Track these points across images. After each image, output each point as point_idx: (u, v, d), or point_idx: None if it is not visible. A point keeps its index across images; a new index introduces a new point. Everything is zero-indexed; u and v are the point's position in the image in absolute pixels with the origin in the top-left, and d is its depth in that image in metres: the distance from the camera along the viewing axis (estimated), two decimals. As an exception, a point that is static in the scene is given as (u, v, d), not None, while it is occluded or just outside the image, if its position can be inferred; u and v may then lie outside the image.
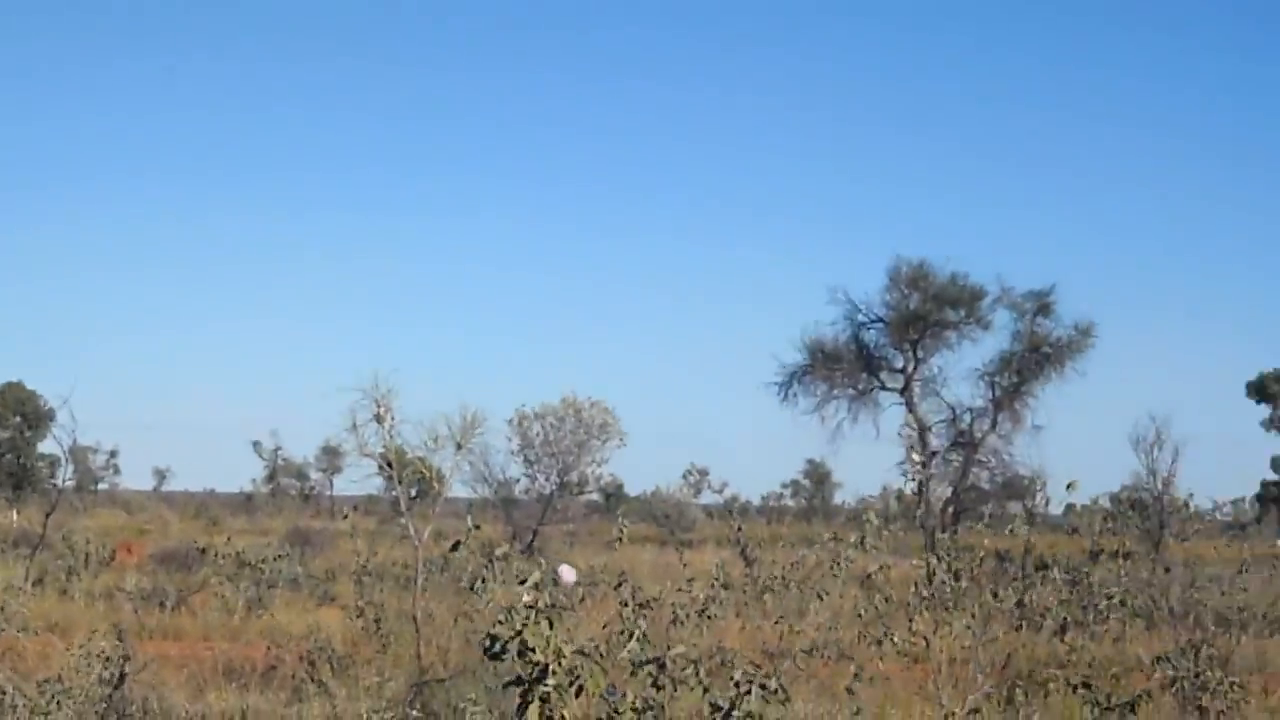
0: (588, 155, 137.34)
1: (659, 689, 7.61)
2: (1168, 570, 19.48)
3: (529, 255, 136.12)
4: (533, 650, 6.43)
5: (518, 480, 42.66)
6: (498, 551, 9.28)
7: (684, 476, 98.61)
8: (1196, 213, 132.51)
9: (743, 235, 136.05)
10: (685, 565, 15.31)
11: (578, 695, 6.52)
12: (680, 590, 14.89)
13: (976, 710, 11.02)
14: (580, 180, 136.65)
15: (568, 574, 7.91)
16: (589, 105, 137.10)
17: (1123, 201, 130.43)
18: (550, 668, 6.43)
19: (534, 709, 6.44)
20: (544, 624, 6.46)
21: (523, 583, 6.49)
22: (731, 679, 7.75)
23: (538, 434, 41.78)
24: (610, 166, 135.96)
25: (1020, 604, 13.05)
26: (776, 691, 7.72)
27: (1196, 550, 23.30)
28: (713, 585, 11.12)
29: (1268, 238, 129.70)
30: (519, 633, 6.44)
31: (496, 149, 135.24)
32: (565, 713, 6.42)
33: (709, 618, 9.43)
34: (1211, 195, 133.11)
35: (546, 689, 6.41)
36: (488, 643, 6.72)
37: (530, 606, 6.46)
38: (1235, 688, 12.06)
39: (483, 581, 16.47)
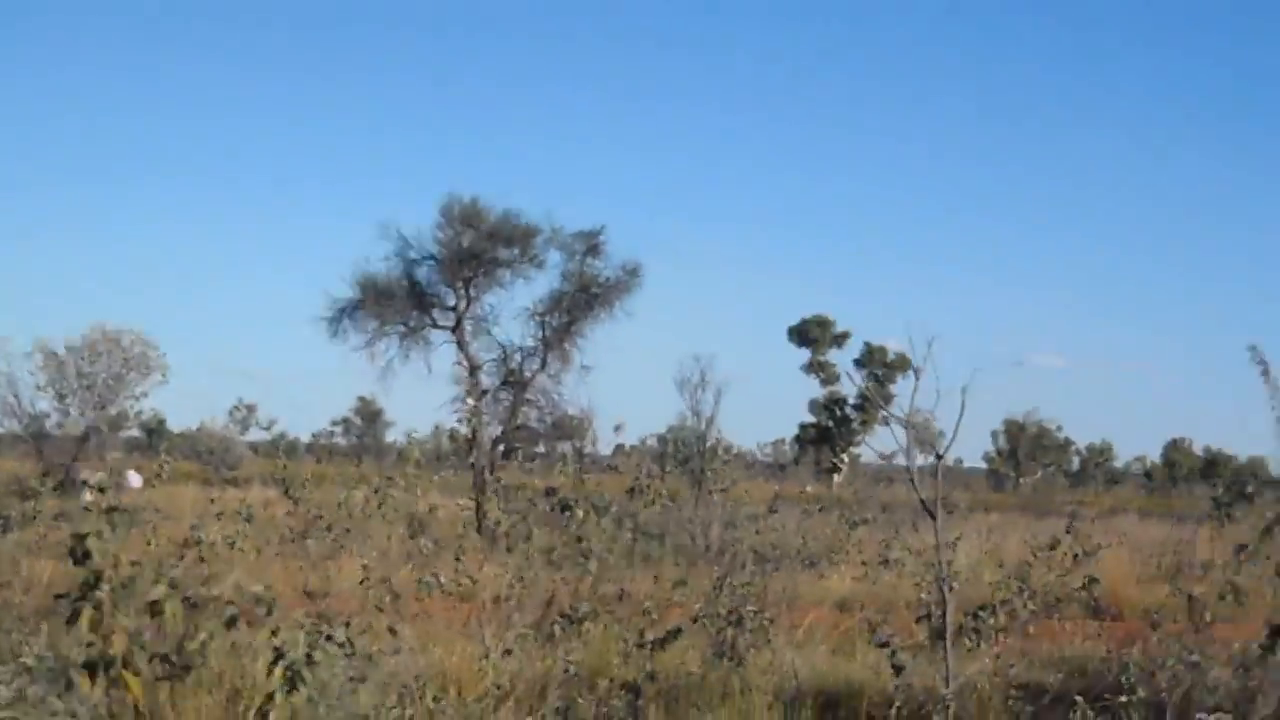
0: (129, 73, 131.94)
1: (231, 626, 7.36)
2: (710, 511, 20.05)
3: (63, 175, 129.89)
4: (89, 556, 6.02)
5: (49, 415, 40.80)
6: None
7: (230, 413, 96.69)
8: (741, 159, 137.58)
9: (294, 168, 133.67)
10: (213, 502, 14.94)
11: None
12: (233, 532, 14.51)
13: (509, 651, 11.04)
14: (125, 98, 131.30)
15: (134, 479, 7.54)
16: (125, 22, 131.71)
17: (671, 146, 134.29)
18: (106, 574, 6.03)
19: (86, 615, 6.02)
20: (105, 527, 6.07)
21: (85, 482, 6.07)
22: (300, 627, 7.58)
23: (70, 366, 39.95)
24: (156, 88, 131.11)
25: (567, 542, 13.15)
26: (344, 645, 7.59)
27: (737, 490, 24.11)
28: (239, 522, 10.86)
29: (810, 185, 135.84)
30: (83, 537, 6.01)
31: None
32: (118, 625, 6.02)
33: (241, 551, 9.12)
34: (754, 143, 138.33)
35: (100, 596, 6.00)
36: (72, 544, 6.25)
37: (89, 508, 6.04)
38: (765, 620, 12.46)
39: (6, 520, 15.49)
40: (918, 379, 7.64)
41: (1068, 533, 13.27)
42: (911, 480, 7.73)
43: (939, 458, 7.78)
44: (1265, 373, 7.83)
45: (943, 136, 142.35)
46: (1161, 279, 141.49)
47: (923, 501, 7.69)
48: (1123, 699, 7.04)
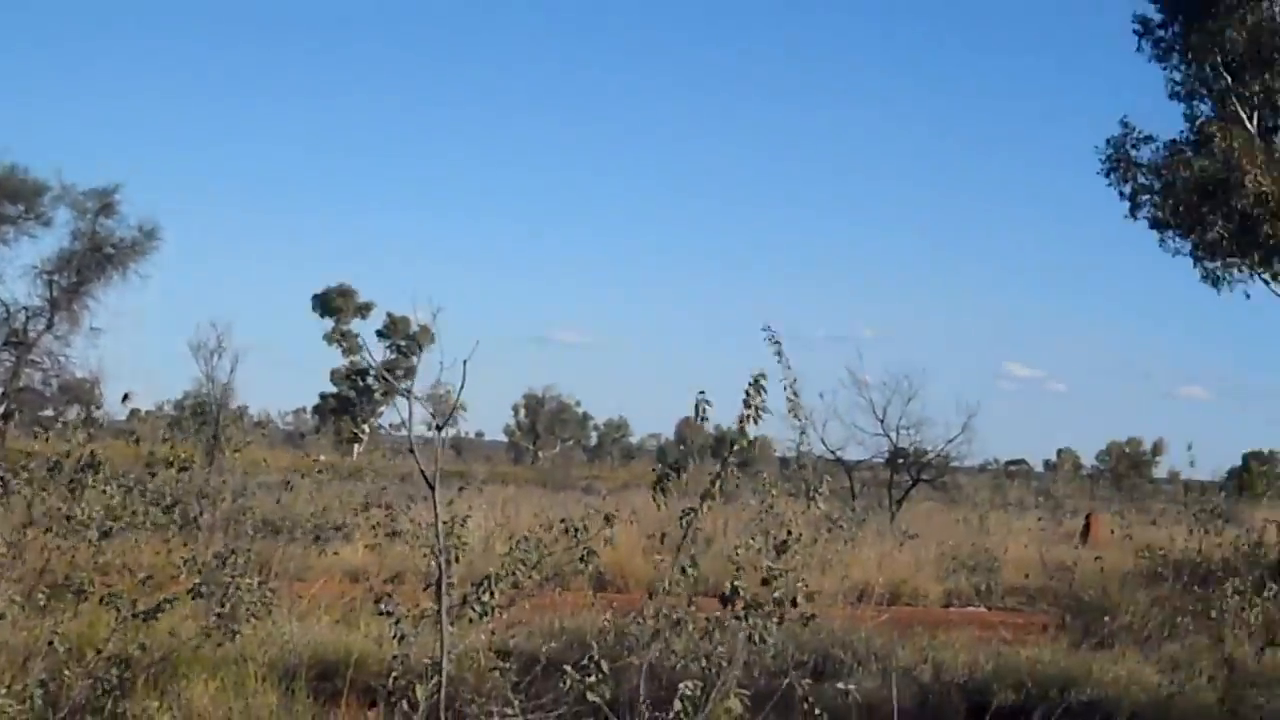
0: None
1: None
2: (223, 480, 19.59)
3: None
4: None
5: None
6: None
7: None
8: (263, 123, 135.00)
9: None
10: None
11: None
12: None
13: (2, 616, 10.53)
14: None
15: None
16: None
17: (193, 108, 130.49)
18: None
19: None
20: None
21: None
22: None
23: None
24: None
25: (68, 509, 12.66)
26: None
27: (255, 457, 23.70)
28: None
29: (337, 152, 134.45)
30: None
31: None
32: None
33: None
34: (277, 106, 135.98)
35: None
36: None
37: None
38: (268, 591, 12.30)
39: None
40: (419, 353, 7.68)
41: (607, 522, 13.55)
42: (412, 451, 7.73)
43: (438, 430, 7.81)
44: (779, 353, 8.14)
45: (467, 110, 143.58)
46: (677, 257, 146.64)
47: (422, 473, 7.70)
48: (591, 666, 7.20)
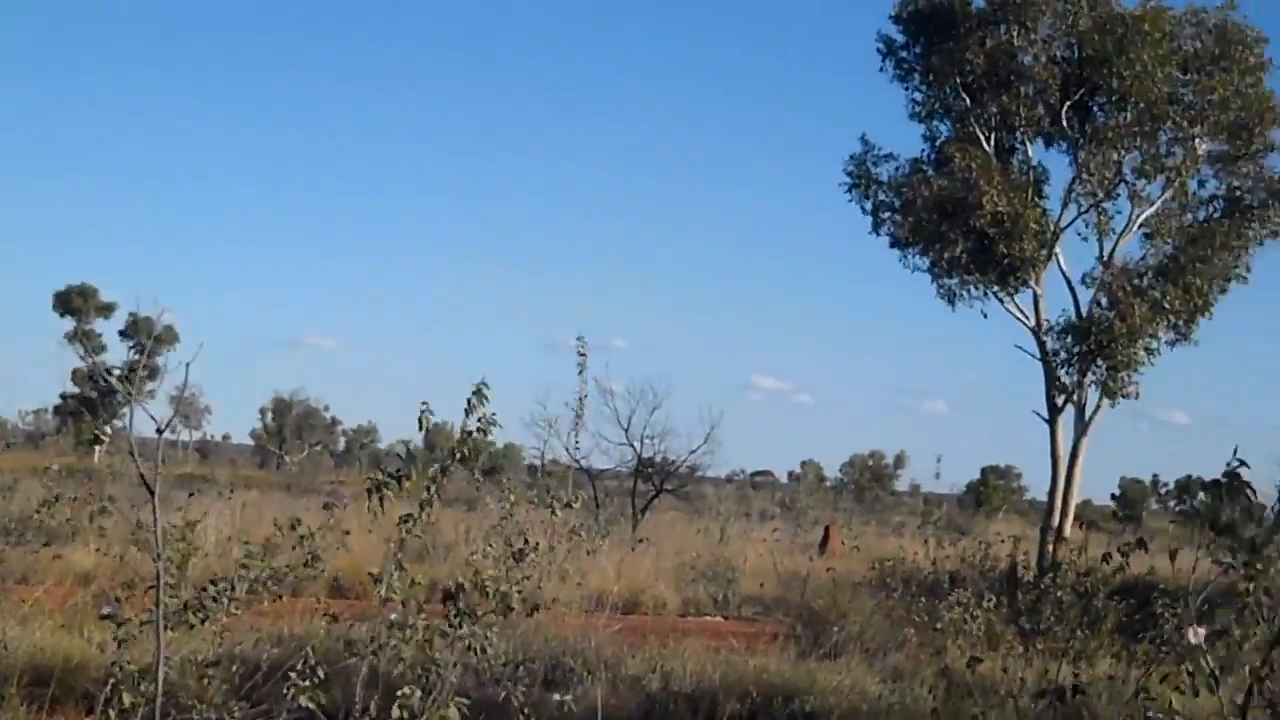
0: None
1: None
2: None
3: None
4: None
5: None
6: None
7: None
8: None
9: None
10: None
11: None
12: None
13: None
14: None
15: None
16: None
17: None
18: None
19: None
20: None
21: None
22: None
23: None
24: None
25: None
26: None
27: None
28: None
29: (77, 143, 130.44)
30: None
31: None
32: None
33: None
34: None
35: None
36: None
37: None
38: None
39: None
40: (144, 354, 7.58)
41: (326, 509, 13.42)
42: (132, 453, 7.61)
43: (159, 432, 7.69)
44: (581, 366, 8.21)
45: (229, 116, 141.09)
46: (433, 264, 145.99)
47: (142, 476, 7.57)
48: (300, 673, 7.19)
